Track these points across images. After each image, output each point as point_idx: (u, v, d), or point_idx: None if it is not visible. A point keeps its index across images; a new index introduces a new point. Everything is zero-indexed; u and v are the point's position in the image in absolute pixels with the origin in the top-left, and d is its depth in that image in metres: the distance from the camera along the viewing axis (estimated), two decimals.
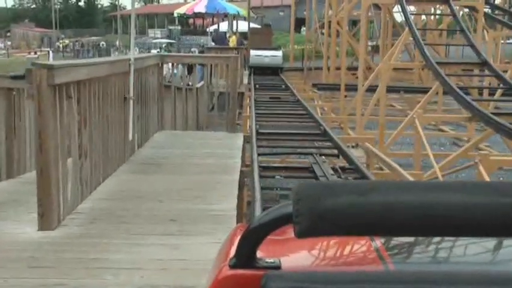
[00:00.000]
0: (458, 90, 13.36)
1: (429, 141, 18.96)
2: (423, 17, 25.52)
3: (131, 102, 8.42)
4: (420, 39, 16.22)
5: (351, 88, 22.91)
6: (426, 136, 18.91)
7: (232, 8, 43.45)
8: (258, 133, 11.39)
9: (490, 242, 1.65)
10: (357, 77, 31.63)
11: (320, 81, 28.85)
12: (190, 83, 13.43)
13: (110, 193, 6.88)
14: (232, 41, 33.13)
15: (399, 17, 33.61)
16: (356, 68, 31.03)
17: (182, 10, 52.31)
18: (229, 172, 8.09)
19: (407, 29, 17.93)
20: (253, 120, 12.79)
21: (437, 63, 14.84)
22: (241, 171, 8.53)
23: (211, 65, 15.09)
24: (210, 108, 17.56)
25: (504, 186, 1.37)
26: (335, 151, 10.28)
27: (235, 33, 35.91)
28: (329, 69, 28.73)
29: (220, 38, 35.10)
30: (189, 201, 6.62)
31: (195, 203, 6.53)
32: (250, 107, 16.47)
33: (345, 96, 23.17)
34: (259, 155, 9.66)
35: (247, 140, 11.19)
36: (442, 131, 20.50)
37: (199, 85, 14.94)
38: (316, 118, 13.25)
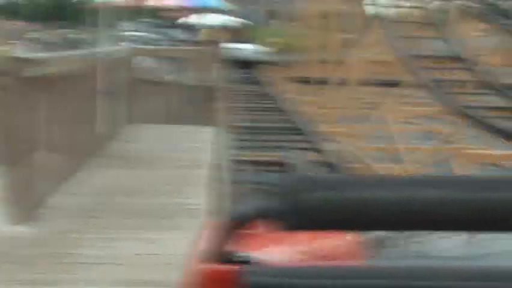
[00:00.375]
0: (430, 83, 13.34)
1: (404, 135, 18.93)
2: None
3: (101, 96, 8.30)
4: (392, 31, 16.16)
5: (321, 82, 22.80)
6: (400, 130, 18.93)
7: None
8: (231, 127, 11.31)
9: (468, 236, 1.64)
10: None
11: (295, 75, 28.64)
12: (166, 76, 13.32)
13: (82, 187, 6.76)
14: (204, 34, 32.42)
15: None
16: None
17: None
18: (202, 166, 8.01)
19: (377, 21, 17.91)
20: (227, 114, 12.69)
21: (409, 56, 14.80)
22: (214, 165, 8.44)
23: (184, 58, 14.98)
24: (183, 102, 17.42)
25: (480, 181, 1.39)
26: (309, 145, 10.25)
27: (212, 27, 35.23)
28: (304, 63, 28.55)
29: (190, 32, 34.85)
30: (163, 195, 6.54)
31: (169, 197, 6.45)
32: (224, 101, 16.35)
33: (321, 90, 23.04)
34: (232, 149, 9.58)
35: (220, 133, 11.10)
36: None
37: (171, 78, 14.83)
38: (290, 113, 13.19)
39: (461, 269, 1.40)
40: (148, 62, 14.02)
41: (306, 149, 10.41)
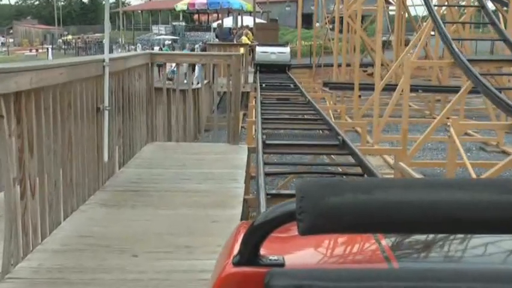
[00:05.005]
0: (496, 92, 11.55)
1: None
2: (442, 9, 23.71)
3: (106, 113, 6.71)
4: (447, 33, 14.38)
5: (364, 87, 21.25)
6: (442, 140, 17.24)
7: (236, 3, 41.48)
8: (264, 145, 9.67)
9: (496, 239, 1.61)
10: (368, 74, 30.01)
11: (330, 79, 27.19)
12: (193, 82, 11.77)
13: (68, 241, 5.12)
14: (249, 37, 30.20)
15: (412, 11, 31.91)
16: (366, 65, 29.31)
17: (184, 6, 50.21)
18: (229, 203, 6.33)
19: (428, 22, 16.19)
20: (259, 128, 11.02)
21: (469, 60, 13.02)
22: (244, 201, 6.79)
23: (213, 65, 13.35)
24: (212, 113, 15.93)
25: (508, 184, 1.36)
26: (359, 169, 8.54)
27: (251, 29, 33.16)
28: (340, 65, 26.94)
29: (224, 34, 33.24)
30: (173, 254, 4.87)
31: (180, 258, 4.78)
32: (255, 110, 14.75)
33: (359, 96, 21.39)
34: (266, 175, 7.92)
35: (252, 151, 9.53)
36: (468, 134, 18.68)
37: (197, 86, 13.29)
38: (332, 125, 11.44)
39: (489, 272, 1.38)
40: (172, 69, 12.49)
41: (356, 174, 8.80)
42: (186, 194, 6.73)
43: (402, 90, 15.40)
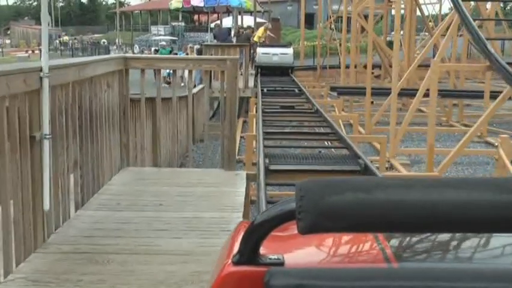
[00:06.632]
0: None
1: (477, 159, 15.54)
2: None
3: (46, 144, 4.76)
4: (480, 33, 12.42)
5: (377, 92, 19.43)
6: (475, 153, 15.43)
7: (234, 0, 39.44)
8: (267, 171, 7.77)
9: (496, 239, 1.58)
10: (375, 77, 28.15)
11: (336, 81, 25.43)
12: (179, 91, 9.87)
13: None
14: (261, 33, 27.86)
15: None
16: (372, 66, 27.49)
17: (178, 4, 48.15)
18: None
19: (451, 19, 14.30)
20: (261, 147, 9.09)
21: (509, 64, 11.09)
22: None
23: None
24: (209, 116, 14.16)
25: (508, 184, 1.33)
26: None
27: (263, 25, 30.86)
28: (347, 67, 25.05)
29: (222, 34, 31.26)
30: None
31: None
32: (256, 121, 12.85)
33: (372, 102, 19.47)
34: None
35: (252, 178, 7.62)
36: (491, 144, 16.82)
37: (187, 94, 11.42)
38: (349, 143, 9.49)
39: (489, 272, 1.36)
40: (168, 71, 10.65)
41: None
42: (158, 258, 4.73)
43: (424, 96, 13.58)
